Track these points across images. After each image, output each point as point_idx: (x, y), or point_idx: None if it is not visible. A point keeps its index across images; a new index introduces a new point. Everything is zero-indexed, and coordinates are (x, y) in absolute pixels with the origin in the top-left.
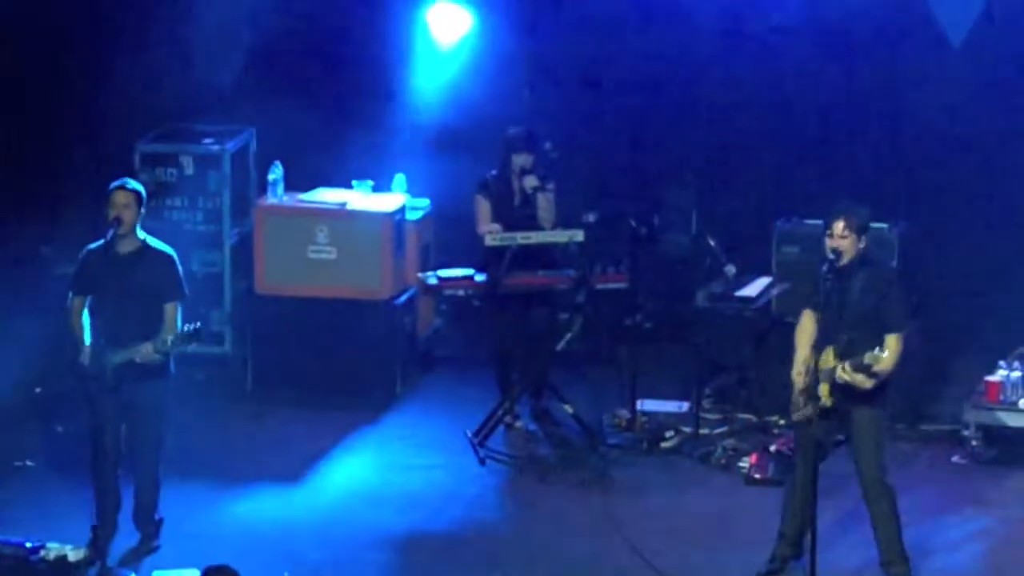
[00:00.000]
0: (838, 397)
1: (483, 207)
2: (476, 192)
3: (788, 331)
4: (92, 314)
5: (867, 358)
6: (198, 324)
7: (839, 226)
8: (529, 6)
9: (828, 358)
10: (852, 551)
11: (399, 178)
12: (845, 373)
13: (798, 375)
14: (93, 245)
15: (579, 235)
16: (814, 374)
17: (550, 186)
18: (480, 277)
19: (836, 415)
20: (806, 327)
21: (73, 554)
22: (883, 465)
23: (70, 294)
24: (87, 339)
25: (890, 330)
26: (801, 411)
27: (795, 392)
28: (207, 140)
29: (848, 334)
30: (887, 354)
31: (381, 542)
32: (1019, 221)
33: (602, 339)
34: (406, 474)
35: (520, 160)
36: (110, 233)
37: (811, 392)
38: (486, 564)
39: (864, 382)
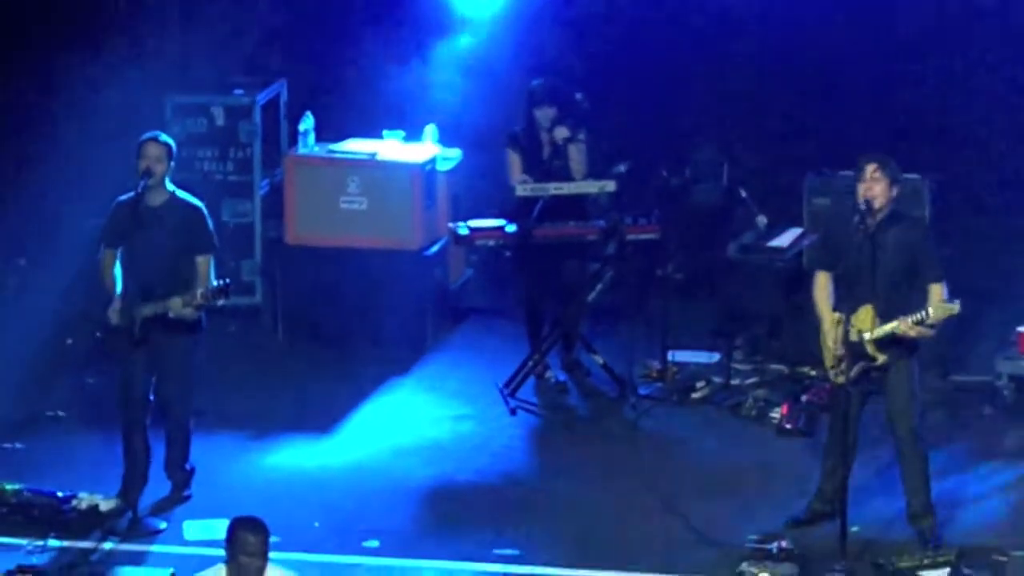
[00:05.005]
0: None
1: (514, 160)
2: (506, 146)
3: None
4: (123, 267)
5: (938, 309)
6: (226, 280)
7: (871, 168)
8: None
9: (866, 317)
10: (883, 503)
11: (430, 128)
12: (910, 329)
13: (835, 342)
14: (123, 197)
15: (610, 186)
16: (847, 335)
17: (580, 136)
18: (511, 228)
19: (875, 370)
20: (824, 288)
21: (104, 504)
22: (918, 416)
23: (101, 246)
24: (118, 292)
25: (934, 280)
26: (847, 373)
27: (832, 357)
28: (237, 91)
29: (886, 292)
30: (956, 303)
31: (410, 492)
32: None
33: (633, 290)
34: (436, 425)
35: (543, 113)
36: (140, 185)
37: (858, 352)
38: (516, 514)
39: (925, 333)
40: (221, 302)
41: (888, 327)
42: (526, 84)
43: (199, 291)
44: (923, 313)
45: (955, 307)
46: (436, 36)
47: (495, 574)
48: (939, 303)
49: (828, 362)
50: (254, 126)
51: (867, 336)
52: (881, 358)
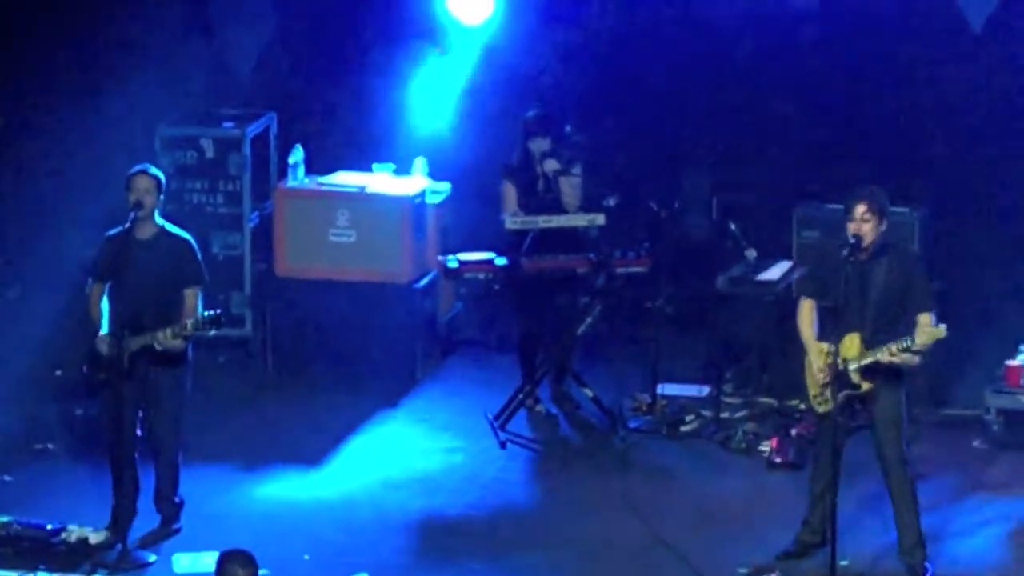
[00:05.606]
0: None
1: (509, 192)
2: (502, 177)
3: None
4: (111, 300)
5: (925, 335)
6: (218, 311)
7: (861, 209)
8: None
9: (852, 345)
10: (872, 536)
11: (420, 161)
12: (894, 356)
13: (820, 371)
14: (112, 231)
15: (600, 219)
16: (835, 364)
17: (575, 170)
18: (500, 261)
19: (861, 400)
20: (808, 316)
21: (94, 536)
22: (905, 449)
23: (89, 280)
24: (104, 326)
25: (923, 310)
26: (832, 401)
27: (818, 385)
28: (227, 123)
29: (874, 321)
30: (942, 327)
31: (400, 524)
32: None
33: (623, 323)
34: (426, 457)
35: (537, 144)
36: (130, 217)
37: (843, 381)
38: (506, 547)
39: (911, 360)
40: (213, 332)
41: (873, 356)
42: (516, 117)
43: (189, 321)
44: (908, 340)
45: (941, 331)
46: (425, 69)
47: None
48: (925, 328)
49: (812, 391)
50: (244, 158)
51: (852, 365)
52: (866, 386)
